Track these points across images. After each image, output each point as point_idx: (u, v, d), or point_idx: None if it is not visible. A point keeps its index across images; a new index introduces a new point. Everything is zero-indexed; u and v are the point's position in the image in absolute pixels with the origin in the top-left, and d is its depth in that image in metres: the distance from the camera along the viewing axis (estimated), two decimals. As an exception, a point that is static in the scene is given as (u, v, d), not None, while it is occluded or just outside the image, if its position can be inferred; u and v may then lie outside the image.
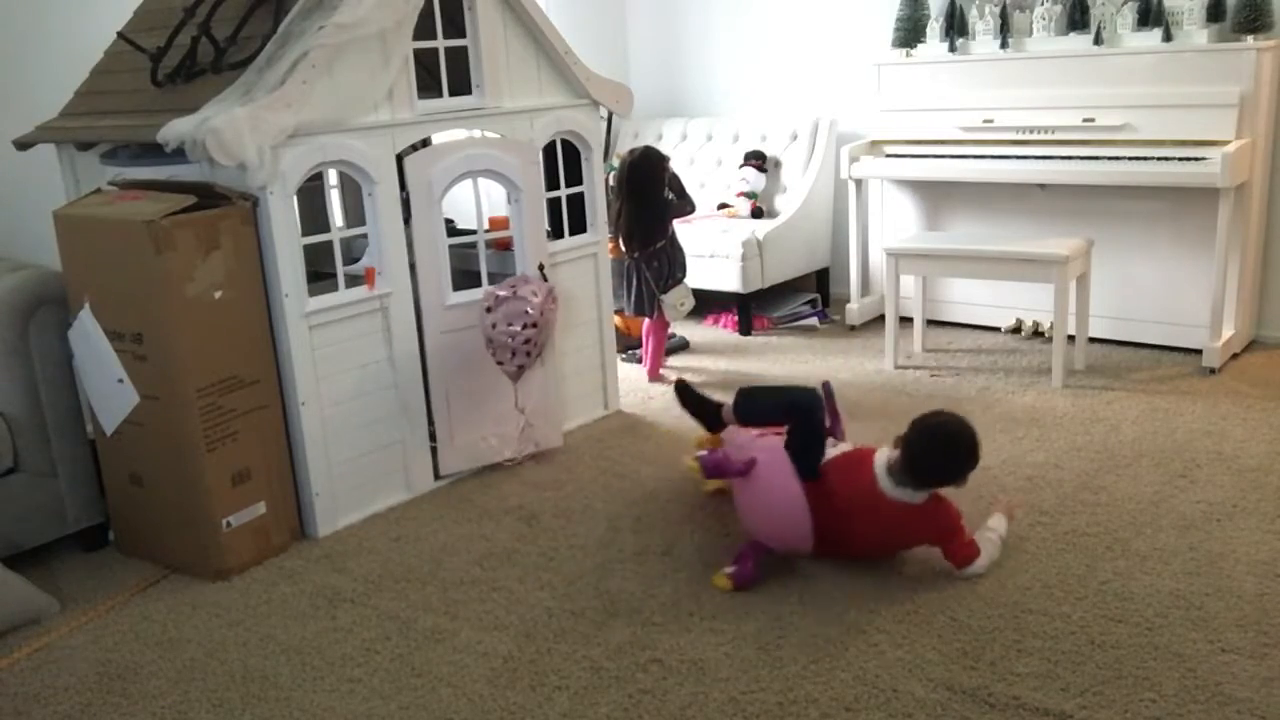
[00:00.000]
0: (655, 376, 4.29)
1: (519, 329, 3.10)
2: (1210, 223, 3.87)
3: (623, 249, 4.20)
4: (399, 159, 3.08)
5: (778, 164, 5.15)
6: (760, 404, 2.88)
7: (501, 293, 3.15)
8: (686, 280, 4.24)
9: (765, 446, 2.66)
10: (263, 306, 2.84)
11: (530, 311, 3.11)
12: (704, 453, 2.81)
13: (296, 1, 2.94)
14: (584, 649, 2.37)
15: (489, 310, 3.14)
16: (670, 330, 4.43)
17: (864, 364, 4.31)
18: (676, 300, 4.20)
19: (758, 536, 2.64)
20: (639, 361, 4.44)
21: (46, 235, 2.90)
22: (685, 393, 3.20)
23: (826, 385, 2.91)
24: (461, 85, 3.26)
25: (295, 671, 2.36)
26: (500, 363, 3.18)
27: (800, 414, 2.67)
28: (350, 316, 3.01)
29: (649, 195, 4.13)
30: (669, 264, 4.20)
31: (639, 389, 4.15)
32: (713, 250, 4.73)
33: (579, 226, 3.69)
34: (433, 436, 3.28)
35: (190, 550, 2.83)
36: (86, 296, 2.80)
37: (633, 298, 4.25)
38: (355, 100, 2.93)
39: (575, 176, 3.66)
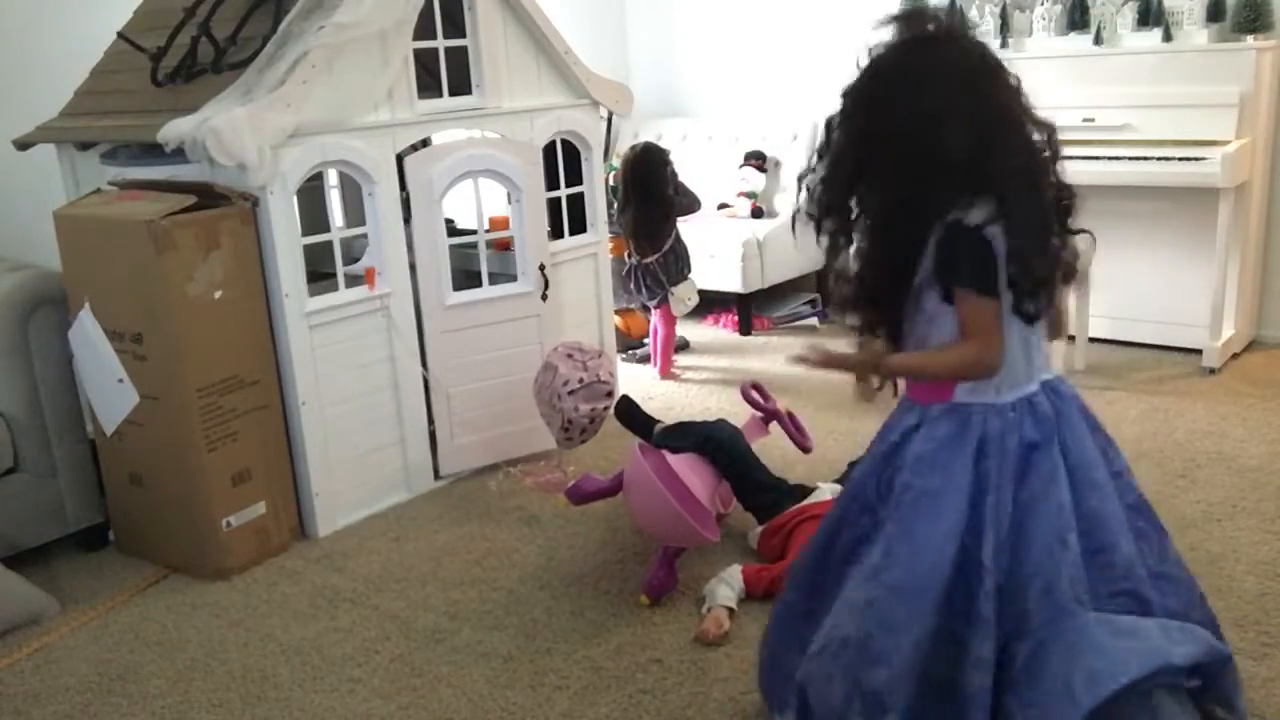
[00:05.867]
0: (666, 374, 4.30)
1: (600, 408, 3.14)
2: (1210, 223, 3.86)
3: (631, 251, 4.21)
4: (399, 159, 3.08)
5: (778, 164, 5.14)
6: (675, 439, 2.85)
7: (583, 376, 3.12)
8: (692, 276, 4.27)
9: (630, 458, 2.63)
10: (263, 306, 2.84)
11: (610, 392, 3.17)
12: (570, 484, 2.82)
13: (296, 1, 2.94)
14: (584, 649, 2.37)
15: (571, 394, 3.09)
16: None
17: (864, 364, 4.30)
18: (685, 295, 4.23)
19: (658, 539, 2.60)
20: (641, 361, 4.45)
21: (46, 235, 2.90)
22: (627, 409, 3.17)
23: (759, 387, 2.94)
24: (461, 85, 3.26)
25: (295, 671, 2.36)
26: (570, 439, 3.17)
27: (712, 446, 2.74)
28: (350, 316, 3.01)
29: (654, 192, 4.14)
30: (676, 261, 4.22)
31: (639, 389, 4.14)
32: (713, 250, 4.72)
33: (579, 226, 3.69)
34: (433, 436, 3.28)
35: (190, 550, 2.83)
36: (86, 296, 2.80)
37: (641, 291, 4.27)
38: (355, 100, 2.93)
39: (575, 176, 3.66)
